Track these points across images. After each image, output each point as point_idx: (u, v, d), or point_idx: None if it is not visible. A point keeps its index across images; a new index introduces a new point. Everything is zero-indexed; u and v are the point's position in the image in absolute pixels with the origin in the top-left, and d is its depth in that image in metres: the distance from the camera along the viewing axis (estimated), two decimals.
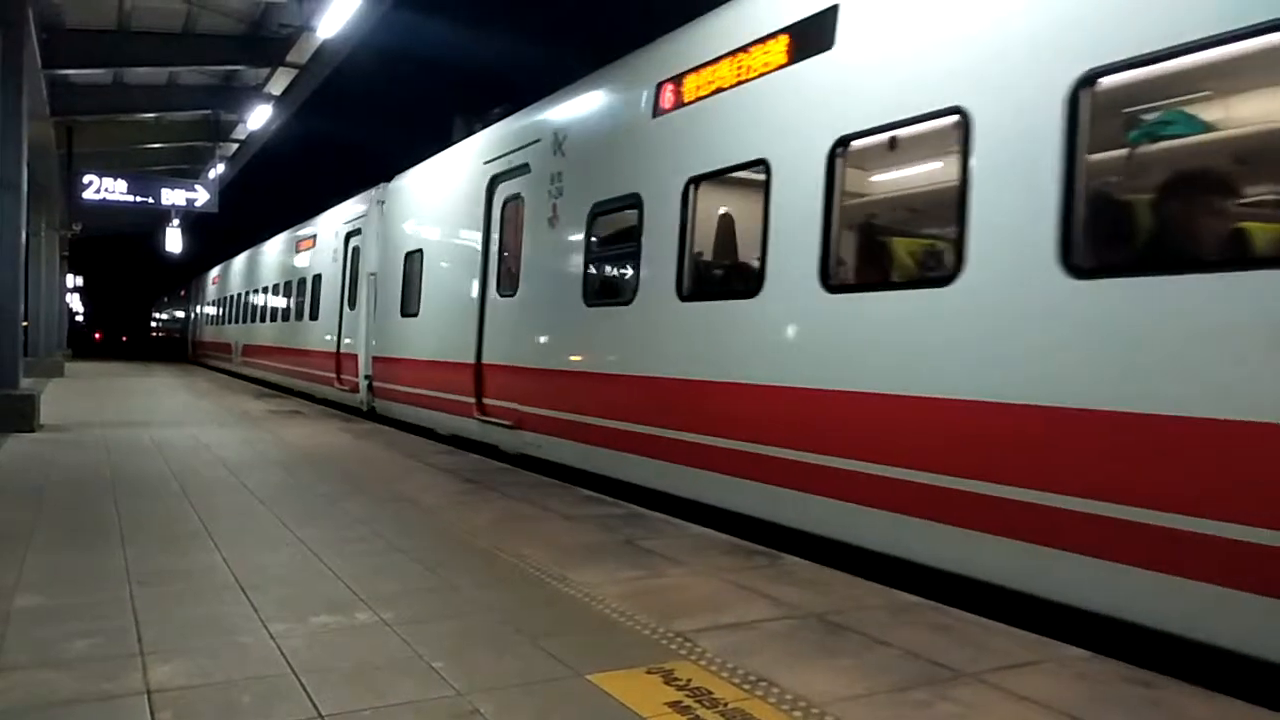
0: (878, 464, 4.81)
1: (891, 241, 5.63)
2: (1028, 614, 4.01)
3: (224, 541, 4.94)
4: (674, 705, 2.85)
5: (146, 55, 16.23)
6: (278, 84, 17.90)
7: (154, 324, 67.68)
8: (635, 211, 7.07)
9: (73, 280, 41.44)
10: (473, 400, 9.58)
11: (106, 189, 18.43)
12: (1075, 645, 3.53)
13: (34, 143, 13.64)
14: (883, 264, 5.59)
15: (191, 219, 25.90)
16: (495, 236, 9.62)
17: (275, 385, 20.34)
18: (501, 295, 9.32)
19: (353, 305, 14.66)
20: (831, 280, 5.26)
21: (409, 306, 11.93)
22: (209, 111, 20.40)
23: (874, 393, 4.88)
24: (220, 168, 23.16)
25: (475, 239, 9.94)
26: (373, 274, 13.66)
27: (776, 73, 5.79)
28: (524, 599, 4.01)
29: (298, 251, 19.32)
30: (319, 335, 16.72)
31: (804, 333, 5.51)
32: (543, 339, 8.44)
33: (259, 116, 18.81)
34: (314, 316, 17.22)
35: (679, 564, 4.72)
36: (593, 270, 7.87)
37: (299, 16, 14.34)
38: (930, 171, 5.48)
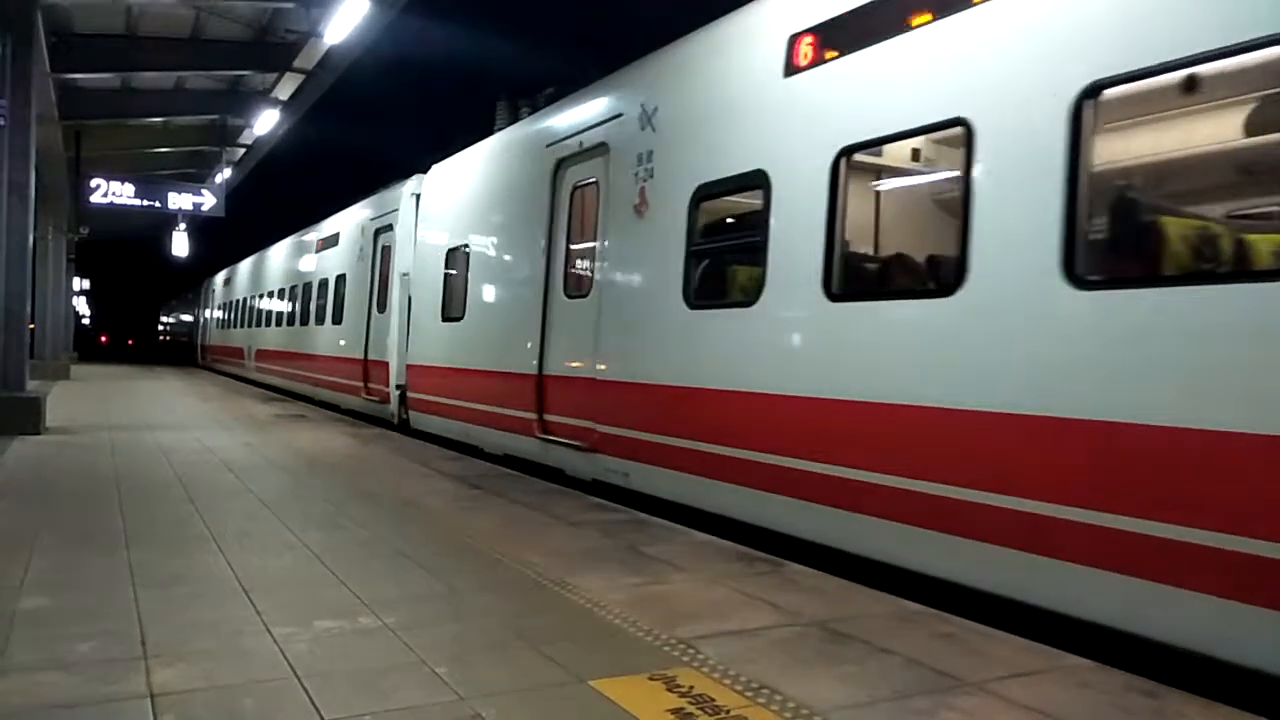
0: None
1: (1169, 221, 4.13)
2: (1031, 623, 4.00)
3: (228, 545, 4.95)
4: (676, 712, 2.85)
5: (154, 60, 16.32)
6: (285, 89, 17.98)
7: (162, 327, 66.90)
8: (759, 192, 5.80)
9: (79, 283, 41.54)
10: (532, 416, 8.34)
11: (114, 193, 18.53)
12: (1079, 654, 3.52)
13: (42, 146, 13.74)
14: (1180, 248, 3.98)
15: (198, 223, 25.98)
16: (562, 229, 8.29)
17: (293, 394, 19.08)
18: (570, 297, 8.06)
19: (382, 308, 13.50)
20: (1084, 272, 3.96)
21: (451, 309, 10.67)
22: (216, 116, 20.51)
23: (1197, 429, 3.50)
24: (227, 172, 23.25)
25: (536, 233, 8.62)
26: (406, 274, 12.50)
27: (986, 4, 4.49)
28: (527, 604, 4.01)
29: (318, 250, 18.01)
30: (343, 341, 15.47)
31: (1036, 343, 4.12)
32: (629, 348, 7.11)
33: (266, 121, 18.88)
34: (337, 320, 15.97)
35: (682, 570, 4.72)
36: (698, 265, 6.49)
37: (306, 22, 14.44)
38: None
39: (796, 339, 5.55)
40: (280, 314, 21.41)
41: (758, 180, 5.82)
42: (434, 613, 3.84)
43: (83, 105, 17.87)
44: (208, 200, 19.65)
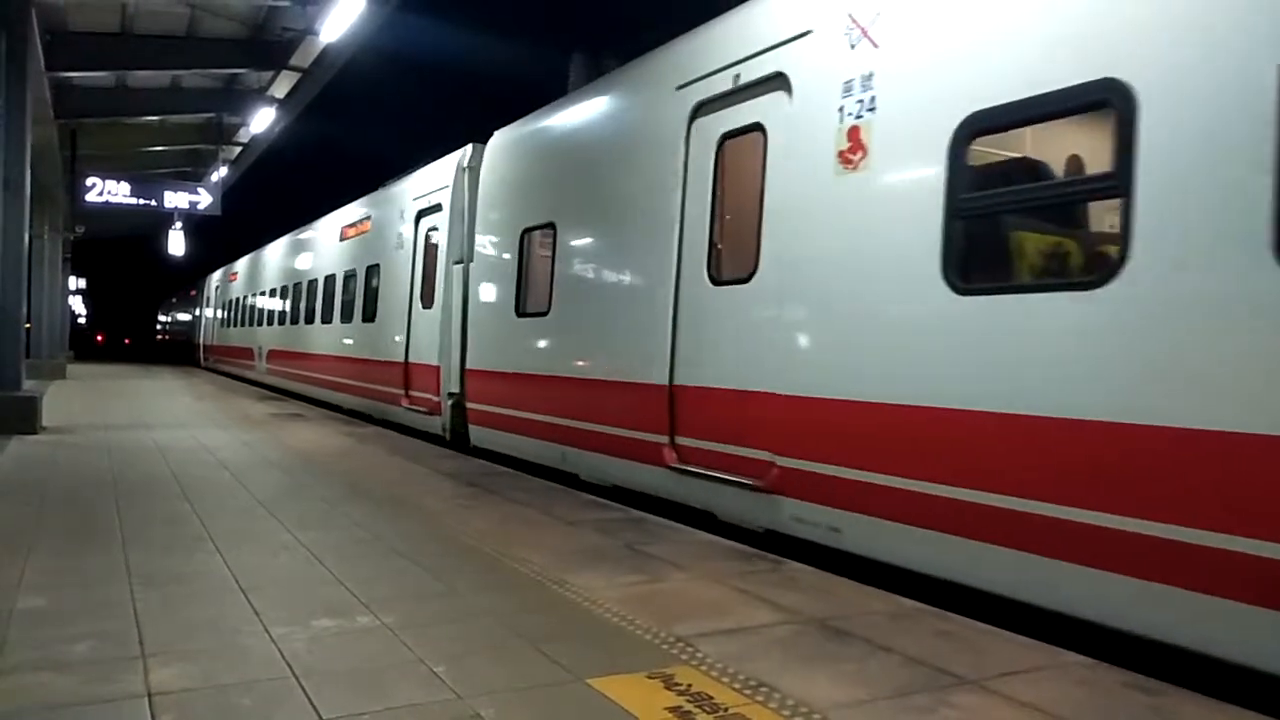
0: None
1: None
2: (1030, 620, 4.01)
3: (225, 544, 4.94)
4: (674, 710, 2.85)
5: (150, 58, 16.28)
6: (280, 87, 17.97)
7: (160, 326, 65.44)
8: (1106, 116, 3.93)
9: (75, 282, 41.47)
10: (659, 439, 6.53)
11: (109, 191, 18.52)
12: (1077, 652, 3.53)
13: (37, 145, 13.70)
14: None
15: (194, 222, 25.94)
16: (702, 195, 6.36)
17: (312, 400, 17.14)
18: (719, 283, 6.18)
19: (428, 303, 11.44)
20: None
21: (531, 303, 8.89)
22: (212, 115, 20.47)
23: None
24: (223, 171, 23.22)
25: (660, 203, 6.74)
26: (459, 261, 10.53)
27: None
28: (525, 603, 4.00)
29: (343, 239, 16.01)
30: (377, 341, 13.34)
31: None
32: (836, 351, 5.18)
33: (262, 120, 18.86)
34: (368, 318, 13.92)
35: (680, 569, 4.72)
36: (972, 230, 4.56)
37: (302, 20, 14.41)
38: None
39: (1210, 338, 3.49)
40: (297, 311, 19.11)
41: (1105, 96, 3.88)
42: (432, 611, 3.83)
43: (78, 104, 17.84)
44: (204, 199, 19.62)
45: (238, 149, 23.45)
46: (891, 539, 4.74)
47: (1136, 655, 3.58)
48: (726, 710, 2.87)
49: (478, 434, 9.85)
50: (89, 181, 18.36)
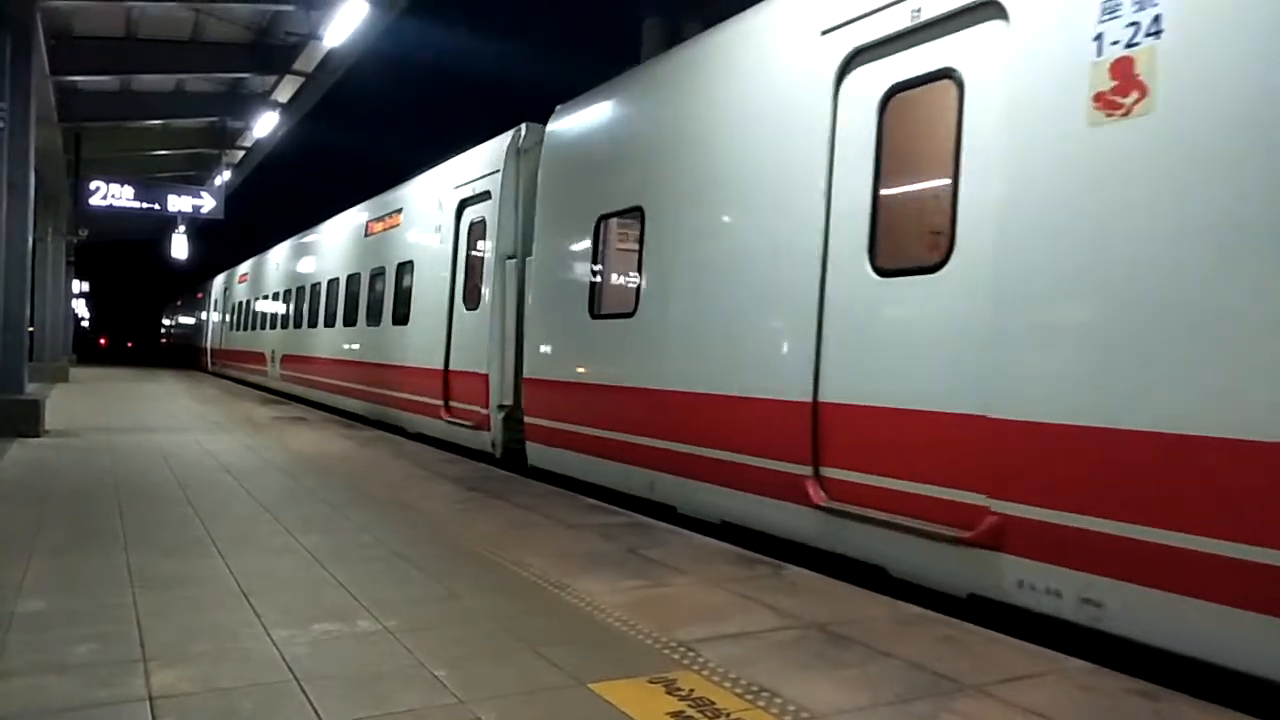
0: None
1: None
2: (1032, 627, 4.00)
3: (227, 548, 4.94)
4: (676, 715, 2.85)
5: (154, 63, 16.31)
6: (284, 92, 17.98)
7: (164, 329, 64.48)
8: None
9: (78, 286, 41.54)
10: (800, 471, 5.34)
11: (113, 195, 18.53)
12: (1079, 658, 3.52)
13: (41, 149, 13.75)
14: None
15: (198, 225, 25.97)
16: (861, 168, 5.13)
17: (332, 409, 15.96)
18: (886, 273, 4.96)
19: (472, 303, 10.33)
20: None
21: (607, 302, 7.78)
22: (216, 119, 20.51)
23: None
24: (226, 175, 23.25)
25: (796, 178, 5.57)
26: (511, 257, 9.48)
27: None
28: (527, 607, 4.00)
29: (369, 235, 14.80)
30: (410, 346, 12.25)
31: None
32: (1102, 361, 3.88)
33: (265, 124, 18.88)
34: (399, 320, 12.73)
35: (682, 573, 4.72)
36: None
37: (306, 25, 14.44)
38: None
39: None
40: (315, 314, 17.90)
41: None
42: (433, 616, 3.83)
43: (82, 107, 17.87)
44: (207, 203, 19.64)
45: (241, 153, 23.46)
46: (1199, 623, 3.43)
47: (1139, 661, 3.58)
48: (728, 715, 2.86)
49: (537, 453, 8.62)
50: (93, 185, 18.38)
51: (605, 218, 7.78)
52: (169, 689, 2.90)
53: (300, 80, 17.18)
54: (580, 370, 8.01)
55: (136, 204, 18.83)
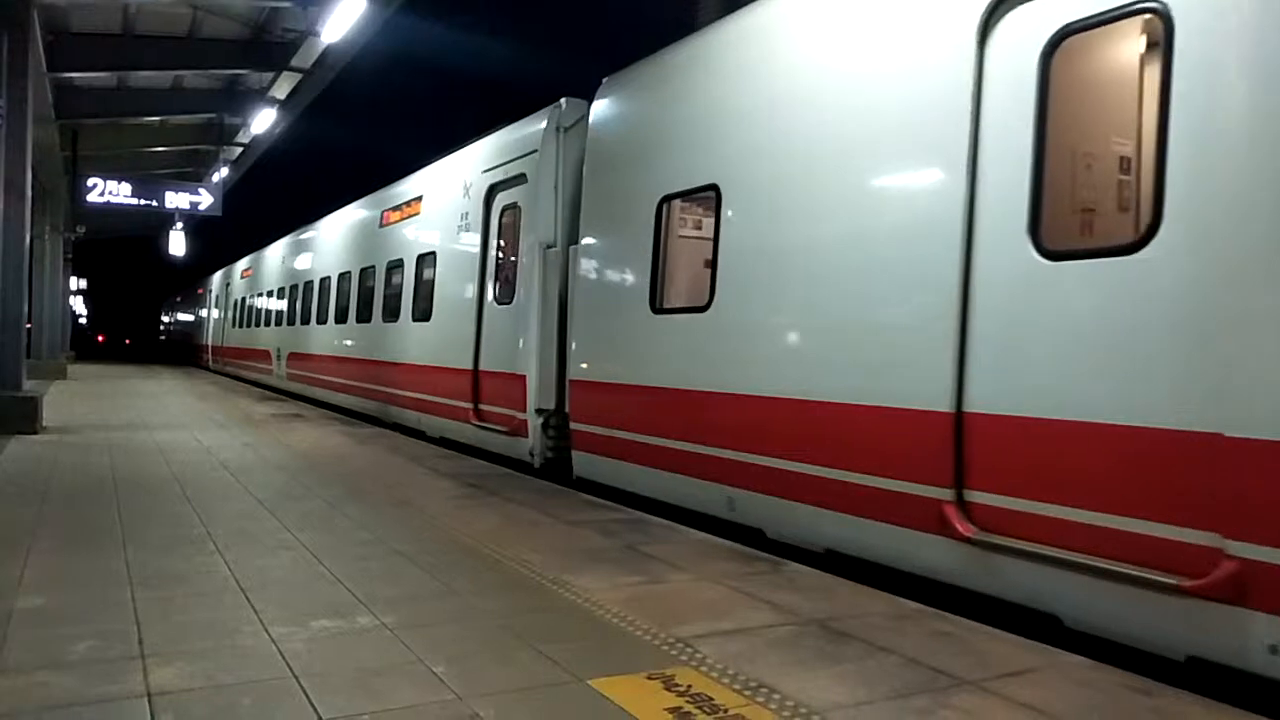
0: None
1: None
2: (1029, 622, 4.01)
3: (225, 544, 4.94)
4: (674, 711, 2.85)
5: (151, 59, 16.30)
6: (282, 88, 17.98)
7: (163, 326, 63.45)
8: None
9: (76, 283, 41.50)
10: (937, 495, 4.45)
11: (110, 192, 18.49)
12: (1076, 653, 3.53)
13: (38, 145, 13.74)
14: None
15: (195, 222, 25.95)
16: (1019, 128, 4.21)
17: (341, 409, 15.13)
18: (1055, 256, 4.08)
19: (505, 297, 9.43)
20: None
21: (673, 294, 6.98)
22: (213, 115, 20.49)
23: None
24: (224, 171, 23.25)
25: (923, 142, 4.74)
26: (552, 245, 8.58)
27: None
28: (525, 604, 4.00)
29: (385, 225, 13.83)
30: (432, 344, 11.36)
31: None
32: None
33: (263, 120, 18.88)
34: (420, 316, 11.79)
35: (680, 570, 4.72)
36: None
37: (303, 21, 14.43)
38: None
39: None
40: (324, 309, 16.96)
41: None
42: (432, 612, 3.83)
43: (79, 104, 17.86)
44: (205, 199, 19.61)
45: (239, 150, 23.45)
46: None
47: (1137, 657, 3.59)
48: (726, 711, 2.87)
49: (585, 463, 7.77)
50: (90, 182, 18.35)
51: (669, 199, 6.89)
52: (167, 685, 2.91)
53: (298, 76, 17.18)
54: (639, 371, 7.07)
55: (134, 201, 18.80)
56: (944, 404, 4.42)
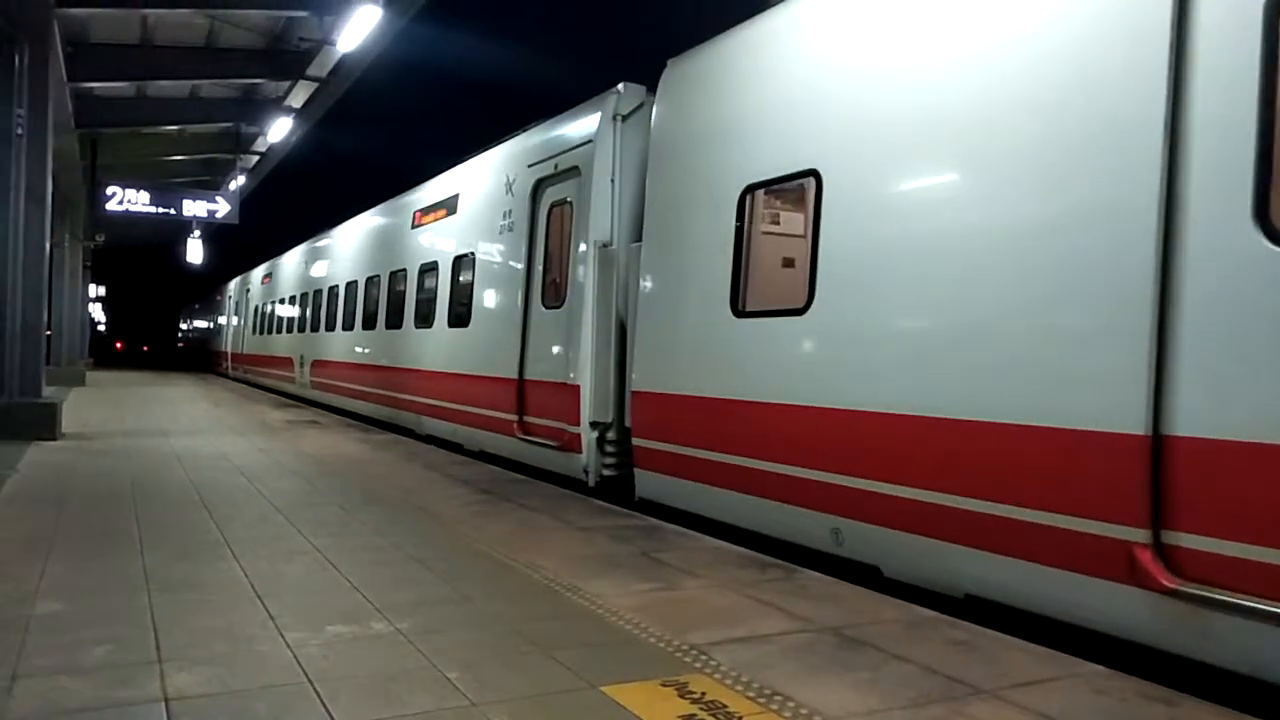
0: None
1: None
2: (1046, 630, 3.97)
3: (241, 550, 4.97)
4: (688, 718, 2.84)
5: (169, 69, 16.52)
6: (298, 97, 18.14)
7: (181, 333, 63.41)
8: None
9: (95, 290, 41.87)
10: (1126, 534, 3.69)
11: (129, 200, 18.72)
12: (1094, 662, 3.50)
13: (59, 154, 13.91)
14: None
15: (212, 230, 26.16)
16: (1239, 88, 3.45)
17: (370, 420, 14.59)
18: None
19: (553, 300, 8.74)
20: None
21: (758, 295, 6.21)
22: (230, 124, 20.73)
23: None
24: (241, 179, 23.44)
25: (1105, 109, 3.92)
26: (607, 244, 7.92)
27: None
28: (539, 610, 4.01)
29: (417, 226, 13.07)
30: (470, 351, 10.61)
31: None
32: None
33: (279, 129, 19.04)
34: (457, 322, 11.12)
35: (694, 576, 4.71)
36: None
37: (319, 31, 14.57)
38: None
39: None
40: (350, 316, 16.25)
41: None
42: (446, 618, 3.84)
43: (98, 113, 18.07)
44: (222, 207, 19.79)
45: (255, 158, 23.67)
46: None
47: (1154, 665, 3.55)
48: (740, 719, 2.86)
49: (650, 483, 7.02)
50: (109, 190, 18.56)
51: (753, 189, 6.14)
52: (184, 690, 2.92)
53: (314, 85, 17.34)
54: (718, 381, 6.29)
55: (152, 209, 19.02)
56: (1133, 424, 3.66)
